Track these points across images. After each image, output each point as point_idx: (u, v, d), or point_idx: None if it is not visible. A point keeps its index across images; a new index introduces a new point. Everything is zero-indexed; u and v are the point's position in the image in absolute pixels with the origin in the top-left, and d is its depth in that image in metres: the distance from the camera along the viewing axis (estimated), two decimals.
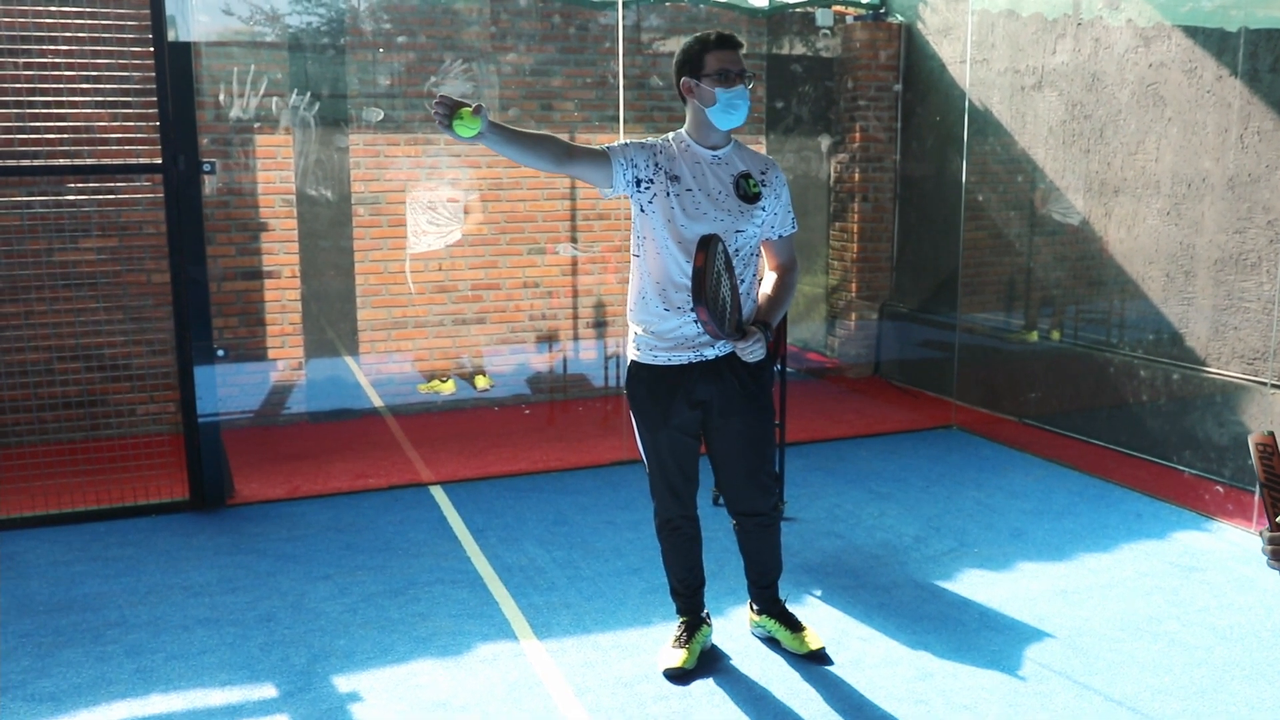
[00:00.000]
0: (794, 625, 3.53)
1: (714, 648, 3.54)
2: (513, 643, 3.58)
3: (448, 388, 6.71)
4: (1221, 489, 4.89)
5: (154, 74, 4.67)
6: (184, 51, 4.72)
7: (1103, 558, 4.27)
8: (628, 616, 3.76)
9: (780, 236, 3.25)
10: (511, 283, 6.78)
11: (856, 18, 7.12)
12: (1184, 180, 5.18)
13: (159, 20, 4.59)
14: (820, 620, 3.72)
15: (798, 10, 7.15)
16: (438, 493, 5.14)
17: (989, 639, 3.58)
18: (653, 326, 3.18)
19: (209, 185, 6.02)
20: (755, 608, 3.59)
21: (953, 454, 5.74)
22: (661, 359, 3.19)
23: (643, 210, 3.13)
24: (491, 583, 4.06)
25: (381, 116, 6.27)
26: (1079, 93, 5.73)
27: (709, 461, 3.41)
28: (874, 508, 4.88)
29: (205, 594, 3.98)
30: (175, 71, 4.65)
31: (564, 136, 6.73)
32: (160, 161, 4.72)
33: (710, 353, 3.18)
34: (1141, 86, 5.35)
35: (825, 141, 7.44)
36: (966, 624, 3.69)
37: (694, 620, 3.48)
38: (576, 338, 6.99)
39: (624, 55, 6.22)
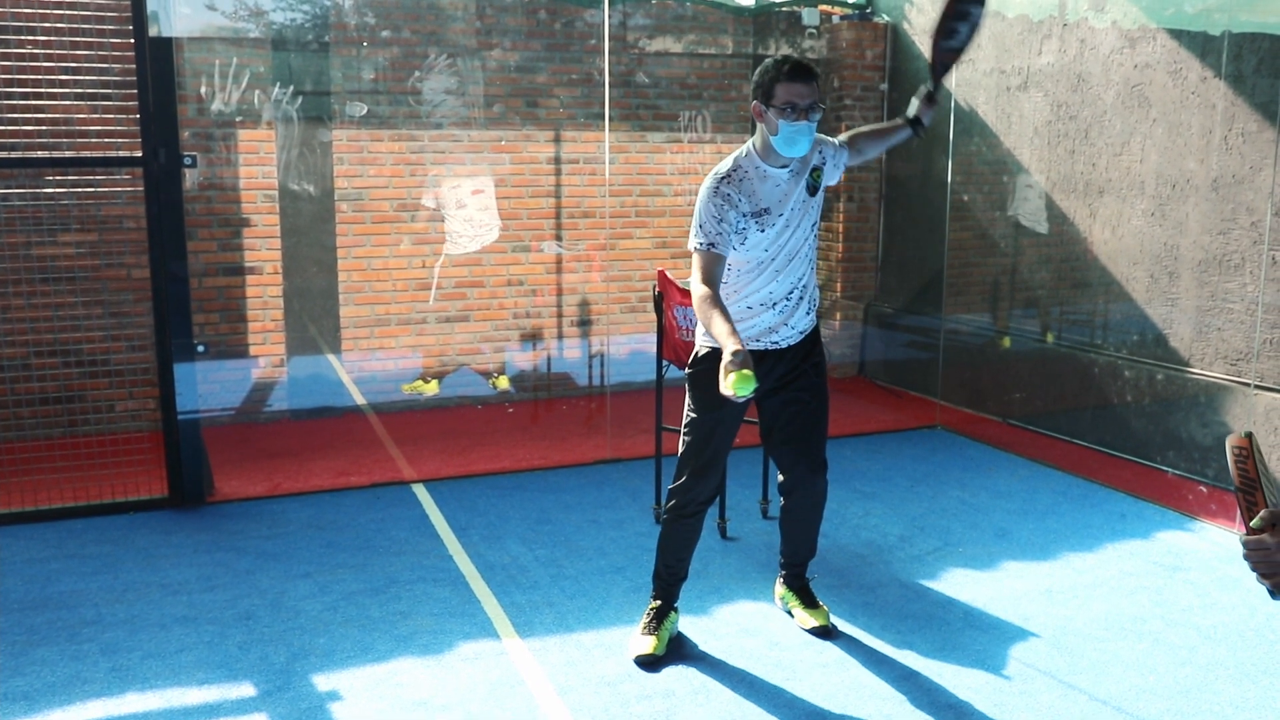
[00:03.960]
0: (810, 602, 3.65)
1: (680, 635, 3.56)
2: (495, 641, 3.55)
3: (431, 388, 6.67)
4: (1205, 489, 4.90)
5: (134, 66, 4.62)
6: (165, 44, 4.66)
7: (1087, 557, 4.26)
8: (611, 615, 3.74)
9: (846, 158, 3.45)
10: (495, 280, 6.74)
11: (842, 17, 7.11)
12: (1168, 181, 5.19)
13: (139, 12, 4.54)
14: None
15: (784, 10, 7.14)
16: (420, 491, 5.10)
17: (974, 638, 3.57)
18: (737, 308, 3.34)
19: (190, 179, 5.96)
20: (784, 583, 3.75)
21: (937, 454, 5.74)
22: None
23: (738, 245, 3.25)
24: (474, 581, 4.03)
25: (364, 111, 6.22)
26: (1064, 93, 5.73)
27: (768, 446, 3.56)
28: (859, 507, 4.86)
29: (183, 592, 3.93)
30: (156, 64, 4.60)
31: (549, 134, 6.74)
32: (140, 155, 4.67)
33: (785, 340, 3.37)
34: (1126, 88, 5.36)
35: None
36: (951, 623, 3.68)
37: (665, 607, 3.51)
38: (561, 336, 6.96)
39: (609, 53, 6.19)
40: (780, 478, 3.57)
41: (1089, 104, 5.58)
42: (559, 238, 6.83)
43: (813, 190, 3.31)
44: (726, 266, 3.28)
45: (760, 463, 4.86)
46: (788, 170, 3.25)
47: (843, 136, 3.53)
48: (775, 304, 3.33)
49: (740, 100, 7.11)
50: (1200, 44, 4.99)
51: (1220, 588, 3.96)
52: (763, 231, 3.23)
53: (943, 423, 6.32)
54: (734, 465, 4.56)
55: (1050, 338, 6.10)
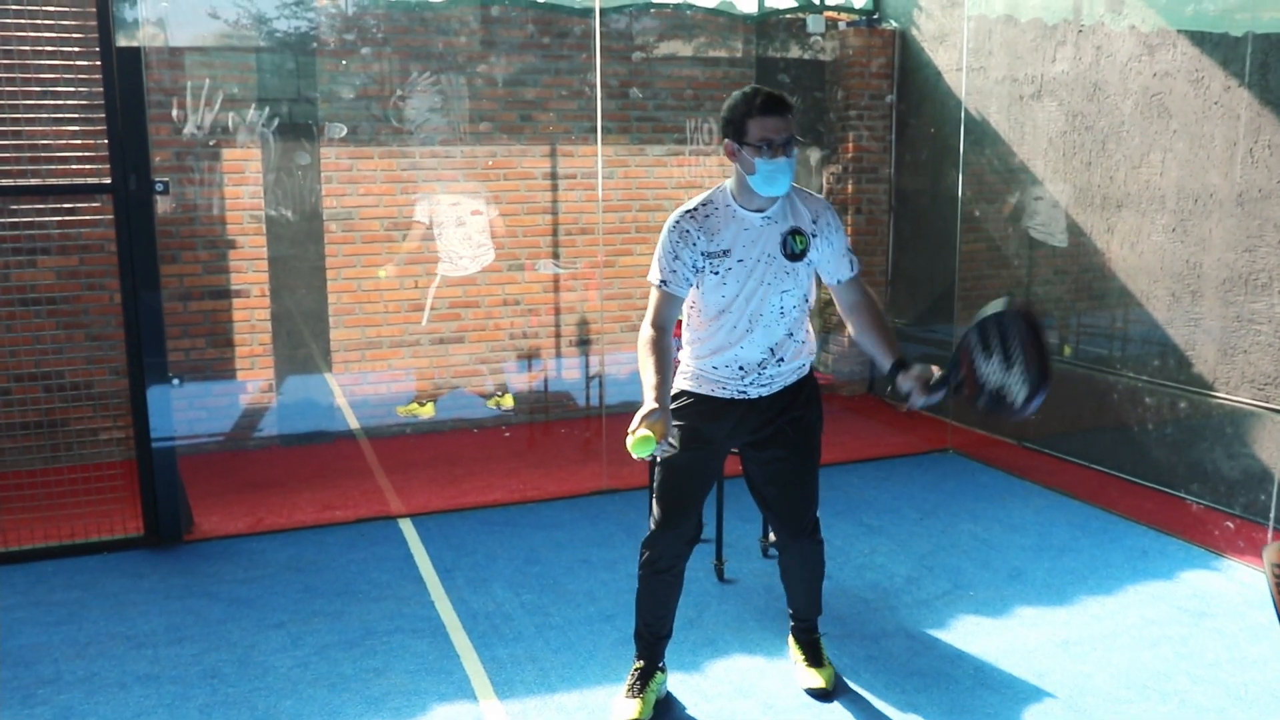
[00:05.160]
0: (815, 660, 3.43)
1: (669, 695, 3.33)
2: (471, 704, 3.33)
3: (426, 411, 6.46)
4: (1232, 524, 4.63)
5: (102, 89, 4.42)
6: (134, 64, 4.47)
7: (1106, 601, 4.01)
8: (596, 672, 3.51)
9: (839, 282, 3.09)
10: (491, 300, 6.54)
11: (849, 24, 6.87)
12: (1190, 195, 4.93)
13: (106, 33, 4.34)
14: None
15: (787, 16, 6.90)
16: (406, 526, 4.88)
17: (984, 699, 3.33)
18: (703, 370, 3.14)
19: (171, 203, 5.78)
20: (793, 635, 3.55)
21: (948, 481, 5.49)
22: (705, 390, 3.14)
23: (697, 286, 3.05)
24: (454, 632, 3.81)
25: (344, 132, 6.01)
26: (1080, 103, 5.47)
27: (757, 501, 3.32)
28: (864, 544, 4.62)
29: (149, 645, 3.73)
30: (125, 86, 4.41)
31: (544, 149, 6.52)
32: (110, 181, 4.48)
33: (755, 392, 3.11)
34: (1145, 96, 5.10)
35: (816, 154, 7.18)
36: (960, 681, 3.44)
37: (649, 668, 3.28)
38: (559, 356, 6.75)
39: (602, 64, 5.96)
40: (771, 536, 3.36)
41: (1106, 114, 5.32)
42: (556, 256, 6.62)
43: (792, 255, 3.00)
44: (690, 304, 3.09)
45: None
46: (762, 216, 2.99)
47: (849, 268, 3.09)
48: (744, 372, 3.08)
49: None
50: (1223, 51, 4.73)
51: (1250, 638, 3.70)
52: (716, 274, 2.98)
53: (955, 446, 6.06)
54: (732, 497, 4.35)
55: (1067, 350, 5.84)
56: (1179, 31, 4.93)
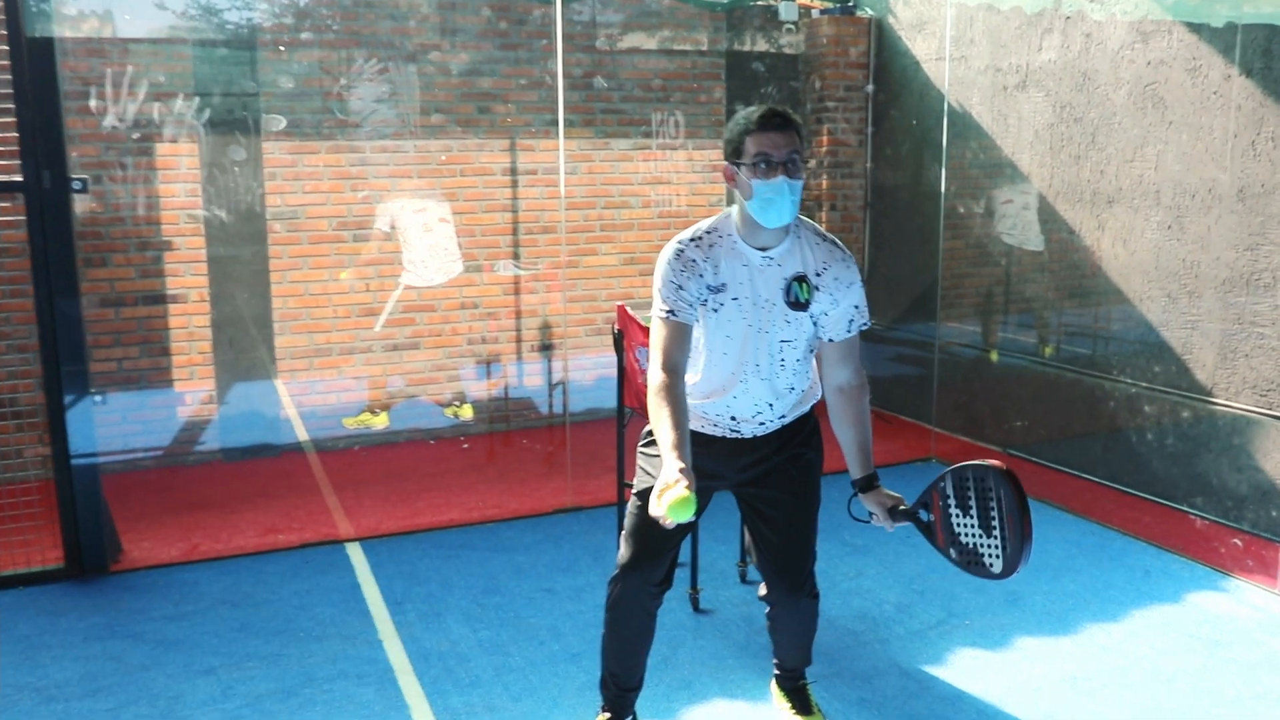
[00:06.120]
0: (802, 707, 3.14)
1: None
2: None
3: (380, 421, 6.08)
4: (1240, 541, 4.36)
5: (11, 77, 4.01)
6: (47, 52, 4.06)
7: (1113, 630, 3.72)
8: None
9: (831, 340, 2.74)
10: (448, 304, 6.16)
11: (823, 11, 6.56)
12: (1187, 191, 4.65)
13: (14, 18, 3.93)
14: None
15: (759, 4, 6.57)
16: (355, 552, 4.51)
17: None
18: (693, 407, 2.83)
19: (98, 202, 5.36)
20: (777, 684, 3.25)
21: None
22: (695, 425, 2.84)
23: (698, 320, 2.73)
24: (404, 676, 3.45)
25: (284, 124, 5.60)
26: (1068, 93, 5.19)
27: (755, 544, 2.99)
28: (849, 566, 4.31)
29: (60, 698, 3.34)
30: (37, 75, 4.00)
31: (504, 143, 6.15)
32: (21, 179, 4.07)
33: (749, 431, 2.83)
34: (1139, 86, 4.82)
35: None
36: None
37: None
38: (520, 362, 6.39)
39: (564, 53, 5.60)
40: (761, 590, 3.04)
41: (1096, 105, 5.04)
42: (516, 256, 6.25)
43: (795, 304, 2.65)
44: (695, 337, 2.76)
45: (736, 510, 4.27)
46: (763, 256, 2.65)
47: (845, 329, 2.74)
48: (737, 420, 2.80)
49: (713, 103, 6.54)
50: (1223, 38, 4.46)
51: (1269, 669, 3.42)
52: (715, 312, 2.67)
53: (938, 454, 5.77)
54: (706, 516, 4.00)
55: (1048, 351, 5.56)
56: (1175, 19, 4.66)
